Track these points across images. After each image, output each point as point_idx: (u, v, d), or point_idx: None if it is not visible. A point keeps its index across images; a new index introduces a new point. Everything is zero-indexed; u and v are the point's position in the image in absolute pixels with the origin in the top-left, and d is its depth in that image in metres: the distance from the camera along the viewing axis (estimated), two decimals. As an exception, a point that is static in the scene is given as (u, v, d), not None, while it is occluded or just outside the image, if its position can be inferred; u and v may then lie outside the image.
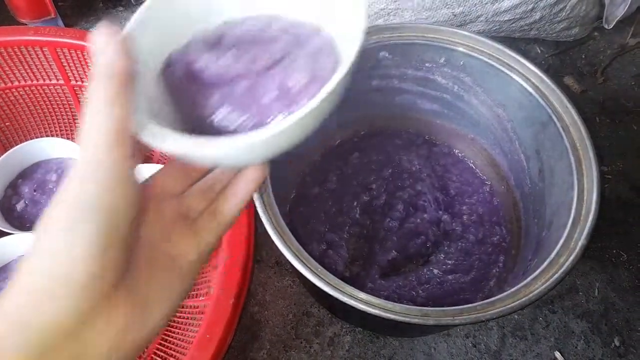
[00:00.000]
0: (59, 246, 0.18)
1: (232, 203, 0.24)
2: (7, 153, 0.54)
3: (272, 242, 0.38)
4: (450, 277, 0.52)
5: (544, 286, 0.37)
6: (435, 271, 0.53)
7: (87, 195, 0.18)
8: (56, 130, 0.60)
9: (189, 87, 0.23)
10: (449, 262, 0.53)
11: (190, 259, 0.23)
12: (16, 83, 0.55)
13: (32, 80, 0.55)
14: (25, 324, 0.18)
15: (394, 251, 0.54)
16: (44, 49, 0.52)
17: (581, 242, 0.39)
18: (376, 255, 0.54)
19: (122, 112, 0.19)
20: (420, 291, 0.51)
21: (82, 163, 0.18)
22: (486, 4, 0.65)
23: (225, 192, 0.25)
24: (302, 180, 0.57)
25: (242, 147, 0.19)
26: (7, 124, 0.58)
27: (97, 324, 0.19)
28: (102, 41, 0.19)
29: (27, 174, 0.56)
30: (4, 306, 0.18)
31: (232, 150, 0.19)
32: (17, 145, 0.55)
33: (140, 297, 0.20)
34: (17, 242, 0.49)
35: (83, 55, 0.52)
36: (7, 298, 0.18)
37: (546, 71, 0.47)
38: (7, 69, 0.53)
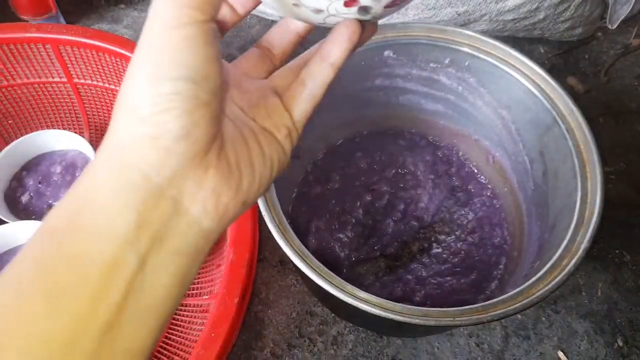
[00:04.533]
0: (145, 103, 0.17)
1: (322, 66, 0.22)
2: (11, 144, 0.54)
3: (275, 241, 0.38)
4: (449, 278, 0.52)
5: (546, 288, 0.37)
6: (434, 272, 0.53)
7: (170, 54, 0.17)
8: (59, 128, 0.60)
9: None
10: (449, 263, 0.53)
11: (279, 136, 0.22)
12: (19, 81, 0.55)
13: (34, 78, 0.55)
14: (127, 165, 0.18)
15: (394, 251, 0.54)
16: (46, 46, 0.52)
17: (584, 244, 0.39)
18: (377, 255, 0.54)
19: None
20: (419, 291, 0.51)
21: (160, 15, 0.17)
22: (490, 3, 0.65)
23: (316, 56, 0.23)
24: (304, 179, 0.57)
25: None
26: (10, 121, 0.58)
27: (189, 185, 0.18)
28: None
29: (31, 166, 0.56)
30: (107, 147, 0.18)
31: None
32: (20, 140, 0.56)
33: (230, 165, 0.20)
34: (21, 230, 0.49)
35: (85, 53, 0.52)
36: (109, 143, 0.18)
37: (549, 71, 0.47)
38: (9, 66, 0.53)
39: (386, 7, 0.22)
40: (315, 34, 0.25)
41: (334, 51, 0.22)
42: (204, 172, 0.19)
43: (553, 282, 0.37)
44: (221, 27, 0.23)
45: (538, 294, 0.37)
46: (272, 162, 0.22)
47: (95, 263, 0.17)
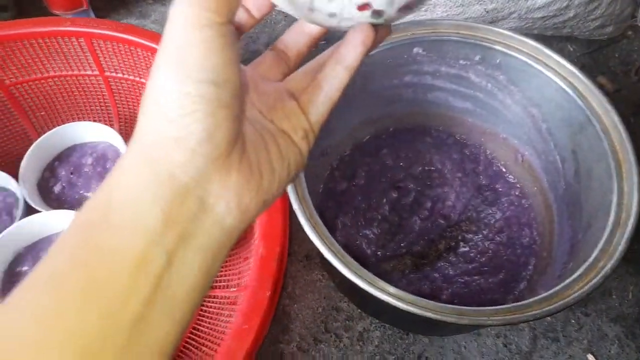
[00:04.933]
0: (171, 105, 0.18)
1: (338, 69, 0.23)
2: (43, 136, 0.55)
3: (302, 235, 0.38)
4: (477, 277, 0.52)
5: (582, 290, 0.37)
6: (462, 271, 0.52)
7: (193, 57, 0.18)
8: (89, 120, 0.60)
9: None
10: (476, 262, 0.53)
11: (296, 137, 0.23)
12: (52, 73, 0.56)
13: (67, 71, 0.56)
14: (155, 163, 0.18)
15: (421, 249, 0.54)
16: (80, 40, 0.53)
17: (621, 246, 0.39)
18: (403, 253, 0.54)
19: None
20: (446, 290, 0.51)
21: (180, 18, 0.18)
22: (519, 0, 0.64)
23: (331, 60, 0.23)
24: (331, 174, 0.57)
25: None
26: (42, 113, 0.59)
27: (213, 185, 0.19)
28: None
29: (63, 157, 0.57)
30: (136, 148, 0.19)
31: None
32: (51, 133, 0.57)
33: (251, 166, 0.20)
34: (54, 219, 0.50)
35: (117, 47, 0.53)
36: (137, 143, 0.19)
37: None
38: (43, 59, 0.54)
39: (399, 10, 0.22)
40: (331, 33, 0.25)
41: (349, 55, 0.23)
42: (227, 172, 0.19)
43: (589, 284, 0.37)
44: (238, 30, 0.24)
45: (574, 295, 0.36)
46: (289, 163, 0.22)
47: (125, 258, 0.18)
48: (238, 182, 0.20)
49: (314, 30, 0.25)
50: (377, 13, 0.22)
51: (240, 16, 0.24)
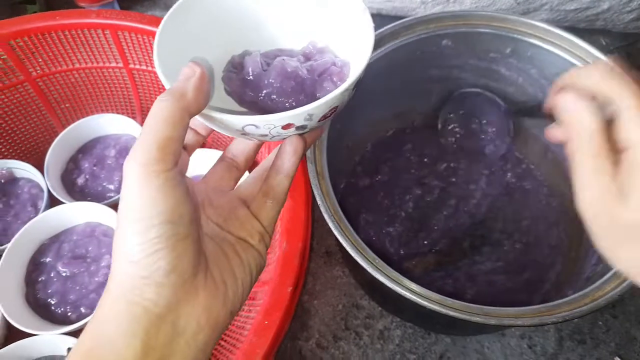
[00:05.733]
0: (134, 250, 0.20)
1: (279, 178, 0.26)
2: (68, 128, 0.56)
3: (323, 231, 0.38)
4: (502, 276, 0.51)
5: (613, 292, 0.36)
6: (486, 270, 0.51)
7: (148, 206, 0.20)
8: (112, 112, 0.61)
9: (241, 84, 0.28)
10: (502, 261, 0.52)
11: (253, 242, 0.25)
12: (77, 65, 0.56)
13: (92, 63, 0.56)
14: (129, 302, 0.21)
15: (444, 247, 0.53)
16: (105, 32, 0.53)
17: (656, 247, 0.37)
18: (426, 250, 0.53)
19: (172, 131, 0.21)
20: (470, 289, 0.50)
21: (133, 175, 0.20)
22: (551, -8, 0.62)
23: (272, 170, 0.27)
24: (353, 170, 0.57)
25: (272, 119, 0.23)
26: (67, 104, 0.59)
27: (184, 308, 0.21)
28: (186, 73, 0.23)
29: (86, 149, 0.57)
30: (112, 288, 0.21)
31: (267, 120, 0.23)
32: (76, 124, 0.57)
33: (215, 281, 0.23)
34: (77, 210, 0.51)
35: (142, 39, 0.53)
36: (113, 284, 0.21)
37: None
38: (69, 51, 0.54)
39: (319, 121, 0.25)
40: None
41: (285, 165, 0.26)
42: (195, 293, 0.22)
43: (621, 286, 0.35)
44: (188, 151, 0.27)
45: (606, 297, 0.35)
46: (250, 267, 0.25)
47: None
48: (206, 300, 0.22)
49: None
50: (301, 127, 0.25)
51: (189, 137, 0.27)
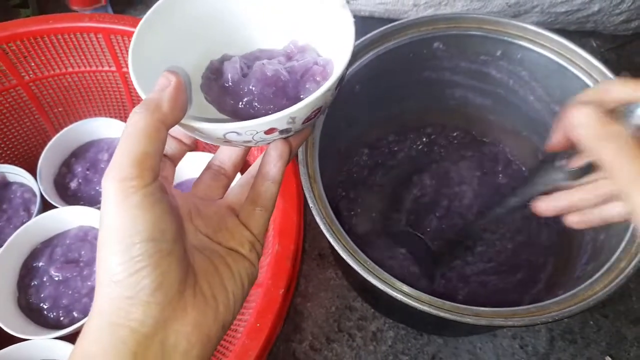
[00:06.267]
0: (116, 269, 0.20)
1: (266, 185, 0.26)
2: (61, 132, 0.56)
3: (315, 233, 0.38)
4: (494, 277, 0.51)
5: (602, 291, 0.36)
6: (478, 270, 0.52)
7: (127, 225, 0.20)
8: (106, 116, 0.61)
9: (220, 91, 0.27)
10: (494, 262, 0.52)
11: (244, 251, 0.25)
12: (70, 69, 0.56)
13: (85, 67, 0.56)
14: (115, 325, 0.20)
15: (436, 248, 0.53)
16: (98, 36, 0.53)
17: (644, 246, 0.37)
18: (419, 252, 0.53)
19: (148, 145, 0.20)
20: (462, 289, 0.50)
21: (110, 192, 0.20)
22: (542, -6, 0.62)
23: (258, 177, 0.26)
24: (345, 172, 0.57)
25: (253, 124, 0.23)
26: (59, 109, 0.59)
27: (172, 326, 0.21)
28: (161, 84, 0.22)
29: (79, 153, 0.57)
30: (96, 311, 0.21)
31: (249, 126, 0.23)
32: (69, 128, 0.57)
33: (205, 296, 0.22)
34: (70, 214, 0.51)
35: (135, 43, 0.53)
36: (97, 307, 0.21)
37: (602, 66, 0.45)
38: (62, 55, 0.54)
39: (303, 123, 0.24)
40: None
41: (271, 171, 0.26)
42: (184, 310, 0.21)
43: (610, 286, 0.36)
44: (173, 161, 0.27)
45: (595, 297, 0.35)
46: (242, 278, 0.24)
47: None
48: (195, 317, 0.21)
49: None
50: (285, 131, 0.24)
51: (173, 147, 0.26)
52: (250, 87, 0.26)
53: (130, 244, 0.20)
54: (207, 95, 0.28)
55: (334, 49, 0.28)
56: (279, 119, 0.23)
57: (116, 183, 0.20)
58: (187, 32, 0.29)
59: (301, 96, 0.27)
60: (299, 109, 0.23)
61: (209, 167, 0.29)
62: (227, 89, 0.27)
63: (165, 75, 0.23)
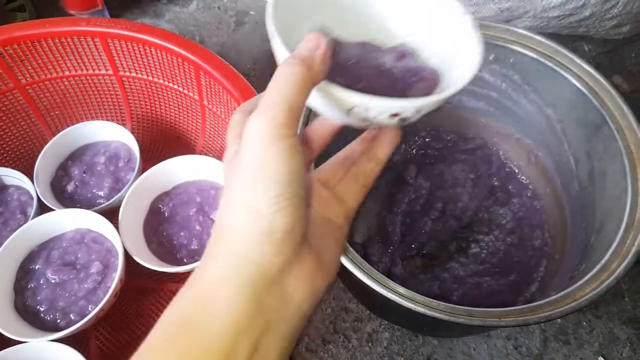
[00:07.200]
0: (261, 205, 0.20)
1: (371, 166, 0.27)
2: (58, 135, 0.56)
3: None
4: (488, 278, 0.51)
5: (594, 292, 0.37)
6: (472, 272, 0.52)
7: (276, 164, 0.20)
8: (102, 119, 0.61)
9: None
10: (487, 263, 0.52)
11: (339, 222, 0.26)
12: (67, 73, 0.56)
13: (82, 70, 0.57)
14: (245, 260, 0.21)
15: (431, 250, 0.53)
16: (95, 40, 0.53)
17: (634, 247, 0.38)
18: (413, 254, 0.53)
19: (298, 98, 0.21)
20: (456, 291, 0.51)
21: (261, 130, 0.20)
22: (534, -1, 0.63)
23: (363, 157, 0.27)
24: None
25: (406, 106, 0.23)
26: (56, 112, 0.60)
27: (294, 272, 0.21)
28: (314, 43, 0.22)
29: (76, 156, 0.57)
30: (229, 240, 0.21)
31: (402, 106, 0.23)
32: (66, 131, 0.57)
33: (317, 251, 0.23)
34: (67, 217, 0.51)
35: (132, 46, 0.53)
36: (230, 237, 0.21)
37: (594, 70, 0.46)
38: (59, 58, 0.55)
39: (420, 116, 0.25)
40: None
41: (380, 153, 0.27)
42: (303, 261, 0.22)
43: (602, 286, 0.36)
44: None
45: (586, 297, 0.36)
46: (338, 243, 0.25)
47: (216, 350, 0.19)
48: (310, 269, 0.22)
49: (337, 125, 0.28)
50: (403, 119, 0.24)
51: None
52: (364, 72, 0.26)
53: (279, 181, 0.20)
54: None
55: (446, 64, 0.28)
56: (410, 106, 0.23)
57: (271, 124, 0.20)
58: (312, 5, 0.28)
59: (408, 95, 0.27)
60: (428, 102, 0.23)
61: None
62: (342, 69, 0.27)
63: (317, 36, 0.23)
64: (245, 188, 0.21)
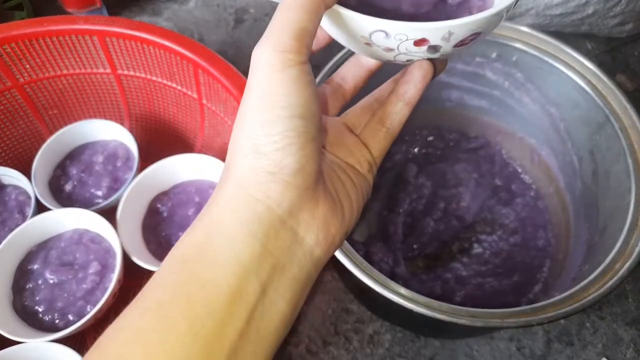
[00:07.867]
0: (265, 141, 0.19)
1: (399, 106, 0.24)
2: (56, 134, 0.55)
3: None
4: (491, 279, 0.51)
5: (598, 292, 0.36)
6: (475, 272, 0.52)
7: (281, 95, 0.19)
8: (100, 118, 0.61)
9: None
10: (490, 264, 0.52)
11: (362, 170, 0.24)
12: (65, 71, 0.56)
13: (80, 69, 0.56)
14: (252, 199, 0.19)
15: (433, 250, 0.53)
16: (93, 38, 0.53)
17: (639, 247, 0.38)
18: (415, 255, 0.53)
19: (308, 21, 0.19)
20: (459, 292, 0.50)
21: (266, 60, 0.19)
22: (537, -3, 0.63)
23: (392, 96, 0.24)
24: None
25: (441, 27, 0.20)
26: (54, 111, 0.59)
27: (304, 215, 0.20)
28: None
29: (74, 155, 0.57)
30: (232, 181, 0.20)
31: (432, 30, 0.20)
32: (64, 130, 0.57)
33: (333, 196, 0.22)
34: (65, 217, 0.50)
35: (130, 45, 0.53)
36: (234, 176, 0.20)
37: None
38: (57, 57, 0.54)
39: (455, 46, 0.22)
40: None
41: (410, 91, 0.24)
42: (316, 203, 0.20)
43: (605, 286, 0.36)
44: None
45: (589, 298, 0.35)
46: (362, 191, 0.24)
47: (223, 290, 0.19)
48: (324, 213, 0.21)
49: (371, 63, 0.26)
50: (434, 48, 0.22)
51: None
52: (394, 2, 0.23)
53: (282, 116, 0.19)
54: None
55: None
56: (436, 29, 0.20)
57: (274, 53, 0.19)
58: None
59: None
60: (461, 24, 0.20)
61: (329, 82, 0.27)
62: None
63: None
64: (245, 124, 0.20)
